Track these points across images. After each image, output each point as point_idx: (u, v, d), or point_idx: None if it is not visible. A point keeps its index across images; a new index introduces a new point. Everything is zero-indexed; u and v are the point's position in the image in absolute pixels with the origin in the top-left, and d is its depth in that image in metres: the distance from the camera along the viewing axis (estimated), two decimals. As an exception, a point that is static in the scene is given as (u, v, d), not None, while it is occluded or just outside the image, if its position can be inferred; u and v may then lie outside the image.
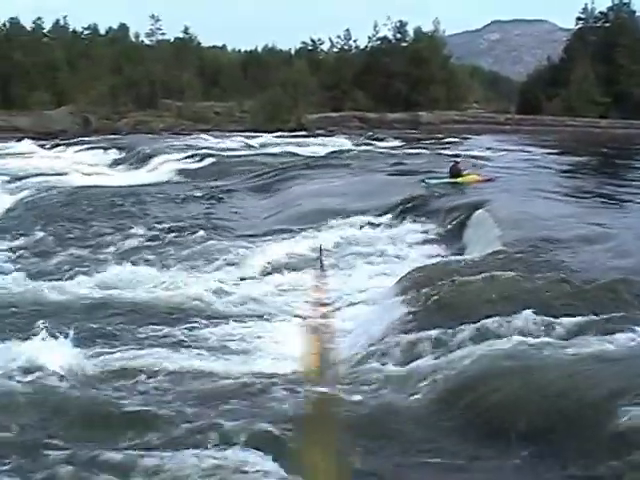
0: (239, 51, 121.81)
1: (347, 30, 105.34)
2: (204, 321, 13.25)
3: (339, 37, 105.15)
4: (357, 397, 8.98)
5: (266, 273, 16.72)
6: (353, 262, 17.04)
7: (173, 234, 20.99)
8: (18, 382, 9.56)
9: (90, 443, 7.89)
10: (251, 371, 10.54)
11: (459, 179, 26.38)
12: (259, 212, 24.43)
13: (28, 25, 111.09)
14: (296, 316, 13.57)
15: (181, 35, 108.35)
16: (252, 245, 19.29)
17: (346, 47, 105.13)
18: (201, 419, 8.36)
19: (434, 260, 15.91)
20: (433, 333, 10.06)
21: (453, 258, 15.89)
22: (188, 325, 12.98)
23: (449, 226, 19.18)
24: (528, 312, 10.09)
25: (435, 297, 11.41)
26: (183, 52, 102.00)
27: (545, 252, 13.70)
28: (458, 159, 28.36)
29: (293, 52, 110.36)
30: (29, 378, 9.69)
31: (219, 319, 13.41)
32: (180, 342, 12.08)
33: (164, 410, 8.75)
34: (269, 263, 17.32)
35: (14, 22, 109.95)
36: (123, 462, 7.32)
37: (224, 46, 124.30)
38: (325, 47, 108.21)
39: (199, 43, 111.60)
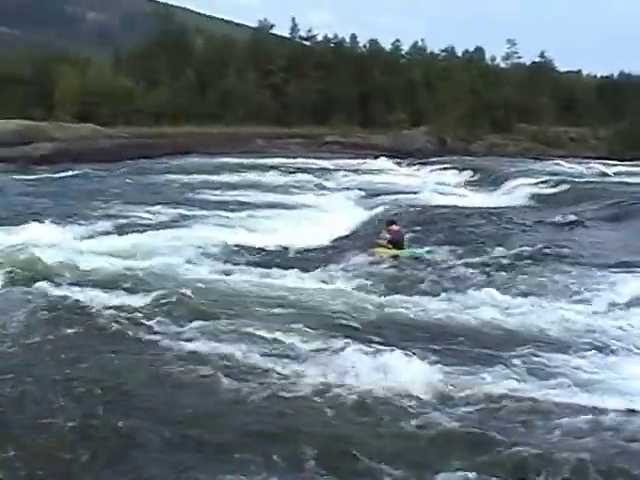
0: (594, 76, 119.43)
1: None
2: (547, 350, 12.92)
3: None
4: None
5: (616, 308, 15.86)
6: None
7: (522, 260, 20.68)
8: (360, 395, 10.15)
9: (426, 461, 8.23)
10: (594, 405, 10.29)
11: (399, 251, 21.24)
12: (611, 243, 23.56)
13: (387, 46, 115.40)
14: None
15: (537, 59, 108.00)
16: (601, 277, 18.51)
17: None
18: (536, 451, 8.33)
19: None
20: None
21: None
22: (530, 353, 12.70)
23: None
24: None
25: None
26: (538, 76, 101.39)
27: None
28: (394, 222, 22.77)
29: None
30: (376, 388, 10.32)
31: (562, 350, 13.02)
32: (520, 369, 11.92)
33: (492, 433, 8.92)
34: (620, 297, 16.46)
35: (374, 43, 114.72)
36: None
37: (579, 71, 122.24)
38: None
39: (554, 67, 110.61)
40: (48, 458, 8.56)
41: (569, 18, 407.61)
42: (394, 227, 22.13)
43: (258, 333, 13.03)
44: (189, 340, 12.68)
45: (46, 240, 22.04)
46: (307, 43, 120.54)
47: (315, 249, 22.61)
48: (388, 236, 21.67)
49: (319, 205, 33.59)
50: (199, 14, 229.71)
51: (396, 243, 21.47)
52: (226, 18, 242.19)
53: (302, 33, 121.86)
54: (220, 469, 8.29)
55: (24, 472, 8.27)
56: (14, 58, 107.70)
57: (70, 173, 49.25)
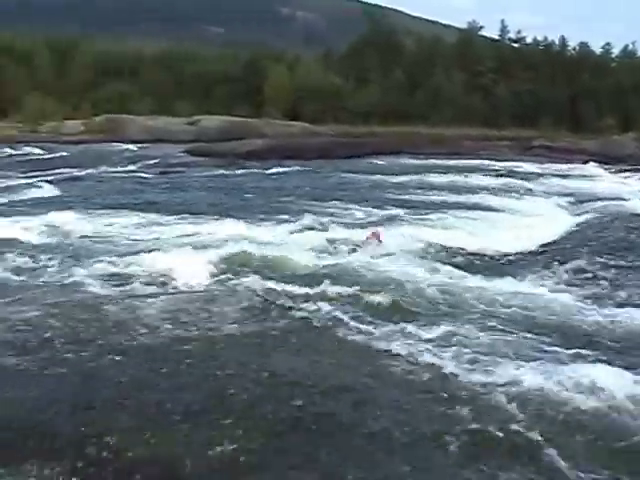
0: None
1: None
2: None
3: None
4: None
5: None
6: None
7: None
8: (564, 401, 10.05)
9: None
10: None
11: None
12: None
13: (597, 50, 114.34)
14: None
15: None
16: None
17: None
18: None
19: None
20: None
21: None
22: None
23: None
24: None
25: None
26: None
27: None
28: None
29: None
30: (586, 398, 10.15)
31: None
32: None
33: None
34: None
35: (583, 46, 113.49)
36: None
37: None
38: None
39: None
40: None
41: None
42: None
43: (463, 338, 13.00)
44: (390, 340, 12.77)
45: (254, 234, 22.82)
46: (516, 45, 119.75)
47: (517, 254, 22.28)
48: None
49: (523, 209, 33.13)
50: (404, 14, 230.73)
51: None
52: (432, 19, 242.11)
53: (511, 35, 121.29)
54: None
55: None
56: (224, 57, 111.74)
57: (277, 170, 50.40)
